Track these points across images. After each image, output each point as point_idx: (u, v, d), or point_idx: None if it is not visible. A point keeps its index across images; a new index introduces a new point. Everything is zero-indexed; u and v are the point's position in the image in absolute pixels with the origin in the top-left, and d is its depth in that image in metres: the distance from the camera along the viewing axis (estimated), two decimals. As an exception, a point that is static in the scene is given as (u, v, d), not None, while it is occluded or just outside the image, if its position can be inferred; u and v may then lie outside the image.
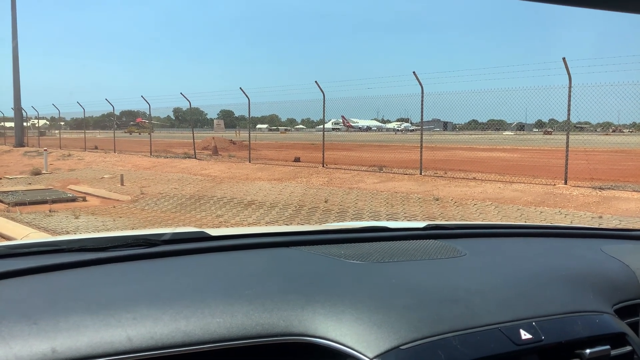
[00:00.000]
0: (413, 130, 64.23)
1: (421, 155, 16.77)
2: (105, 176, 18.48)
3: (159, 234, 1.52)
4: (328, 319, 1.08)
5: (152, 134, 31.01)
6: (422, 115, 17.24)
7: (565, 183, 13.35)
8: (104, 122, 49.34)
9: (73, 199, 13.03)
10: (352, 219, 9.98)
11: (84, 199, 13.22)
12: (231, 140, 35.48)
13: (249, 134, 24.75)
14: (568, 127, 13.97)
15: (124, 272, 1.30)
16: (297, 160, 22.24)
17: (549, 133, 48.02)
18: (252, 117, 25.36)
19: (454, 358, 1.03)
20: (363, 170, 17.98)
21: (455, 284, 1.32)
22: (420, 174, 16.41)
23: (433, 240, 1.74)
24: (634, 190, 12.11)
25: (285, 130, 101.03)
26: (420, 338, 1.05)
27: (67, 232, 8.86)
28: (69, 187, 15.79)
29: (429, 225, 1.90)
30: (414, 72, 16.56)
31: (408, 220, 9.73)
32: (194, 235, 1.58)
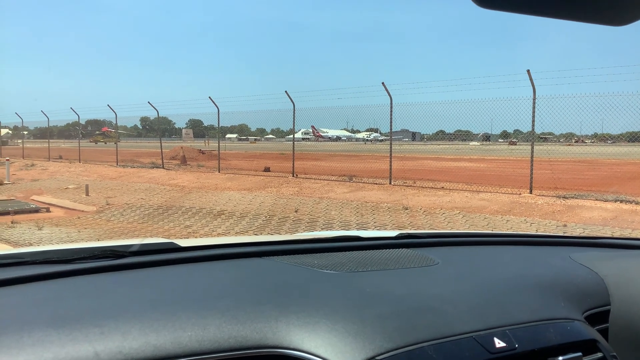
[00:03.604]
0: (382, 140, 64.90)
1: (390, 165, 16.91)
2: (69, 186, 18.05)
3: (127, 245, 1.48)
4: (302, 330, 1.07)
5: (118, 143, 30.50)
6: (391, 126, 17.41)
7: (531, 192, 13.64)
8: (69, 131, 48.35)
9: (36, 210, 12.67)
10: (322, 229, 9.96)
11: (48, 210, 12.86)
12: (200, 149, 35.11)
13: (218, 143, 24.53)
14: (532, 137, 14.29)
15: (91, 284, 1.26)
16: (267, 170, 22.12)
17: (514, 143, 49.03)
18: (221, 126, 25.20)
19: None
20: (333, 180, 18.02)
21: (429, 292, 1.32)
22: (390, 183, 16.54)
23: (405, 249, 1.74)
24: (596, 199, 12.45)
25: (255, 140, 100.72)
26: (395, 348, 1.04)
27: (31, 244, 8.61)
28: (32, 197, 15.35)
29: (401, 234, 1.91)
30: (382, 83, 16.73)
31: (378, 229, 9.78)
32: (163, 246, 1.54)
